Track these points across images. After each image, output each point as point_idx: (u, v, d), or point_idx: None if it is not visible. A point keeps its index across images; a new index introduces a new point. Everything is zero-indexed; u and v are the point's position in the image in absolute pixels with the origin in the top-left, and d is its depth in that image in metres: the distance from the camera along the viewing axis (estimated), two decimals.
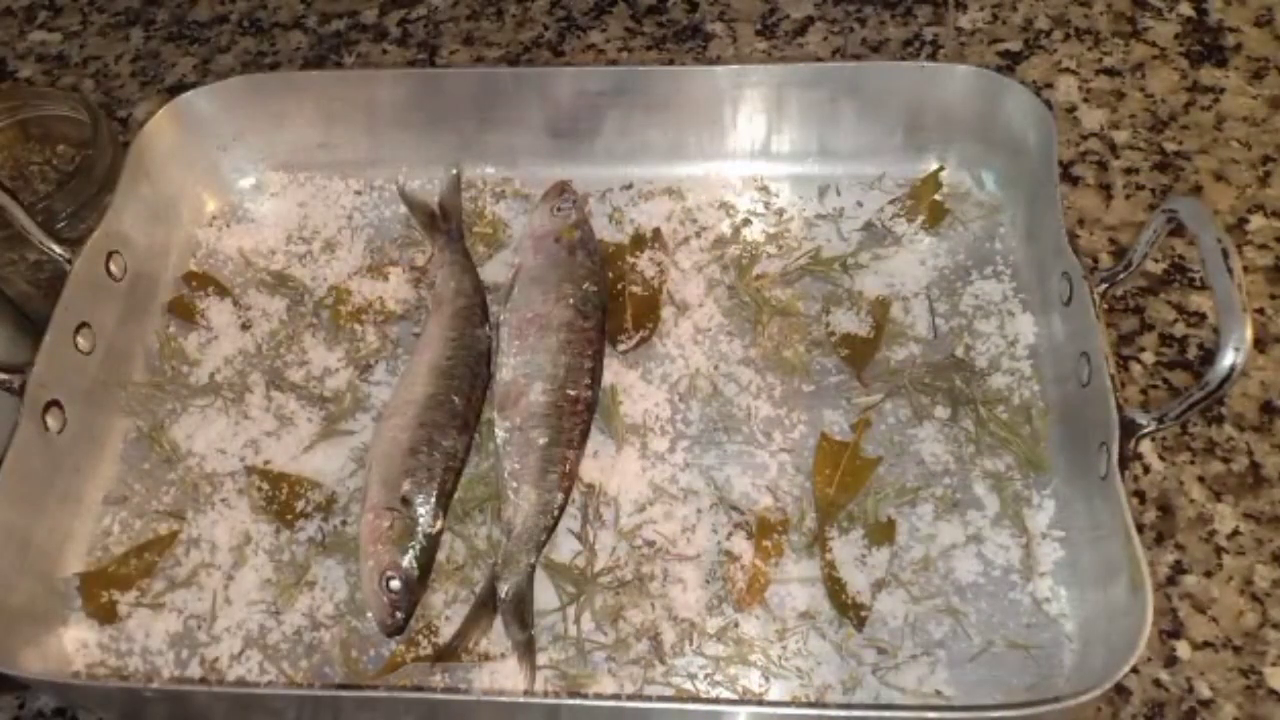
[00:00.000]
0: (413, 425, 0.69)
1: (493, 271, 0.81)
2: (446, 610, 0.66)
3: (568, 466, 0.68)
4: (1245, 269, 0.75)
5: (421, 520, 0.66)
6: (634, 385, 0.74)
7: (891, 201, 0.82)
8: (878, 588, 0.65)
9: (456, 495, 0.69)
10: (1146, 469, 0.71)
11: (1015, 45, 0.95)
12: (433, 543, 0.66)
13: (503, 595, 0.64)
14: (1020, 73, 0.93)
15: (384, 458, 0.69)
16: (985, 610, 0.65)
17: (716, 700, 0.62)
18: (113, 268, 0.75)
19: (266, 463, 0.72)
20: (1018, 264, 0.79)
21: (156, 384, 0.76)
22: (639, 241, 0.81)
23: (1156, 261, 0.80)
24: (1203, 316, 0.77)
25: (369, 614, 0.65)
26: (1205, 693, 0.63)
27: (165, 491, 0.72)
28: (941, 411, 0.72)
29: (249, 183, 0.87)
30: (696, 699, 0.62)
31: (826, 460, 0.70)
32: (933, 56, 0.94)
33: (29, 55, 1.02)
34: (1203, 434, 0.72)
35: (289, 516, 0.70)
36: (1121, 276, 0.69)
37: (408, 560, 0.65)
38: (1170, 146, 0.87)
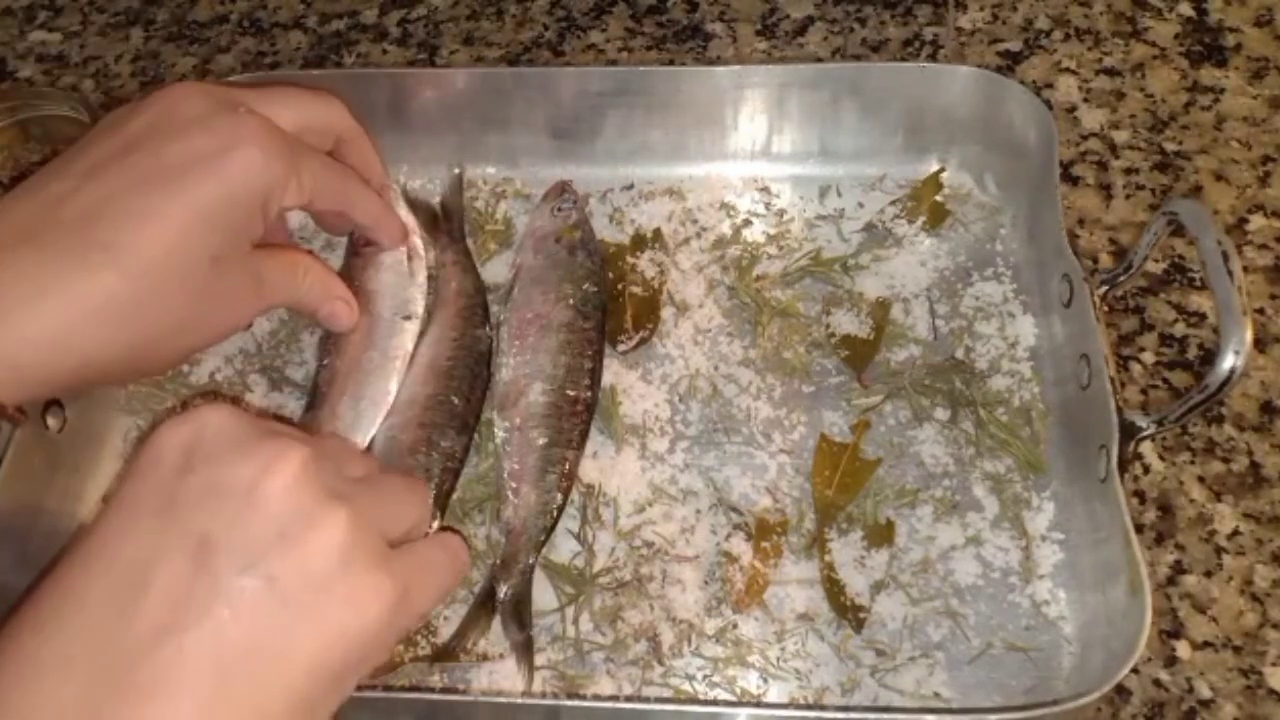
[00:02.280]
0: (412, 425, 0.69)
1: (494, 271, 0.81)
2: (445, 610, 0.66)
3: (567, 467, 0.68)
4: (1245, 269, 0.75)
5: None
6: (634, 386, 0.74)
7: (893, 202, 0.82)
8: (877, 589, 0.65)
9: (456, 495, 0.69)
10: (1146, 469, 0.71)
11: (1015, 45, 0.95)
12: None
13: (501, 595, 0.64)
14: (1020, 73, 0.92)
15: (383, 457, 0.69)
16: (984, 612, 0.65)
17: (715, 701, 0.62)
18: None
19: None
20: (1018, 265, 0.79)
21: (157, 383, 0.76)
22: (639, 242, 0.81)
23: (1156, 262, 0.80)
24: (1203, 316, 0.77)
25: None
26: (1205, 693, 0.63)
27: None
28: (941, 413, 0.72)
29: None
30: (695, 700, 0.62)
31: (826, 461, 0.70)
32: (933, 57, 0.94)
33: (29, 55, 1.02)
34: (1203, 434, 0.72)
35: None
36: (1122, 279, 0.69)
37: None
38: (1170, 146, 0.87)
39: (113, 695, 0.38)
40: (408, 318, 0.74)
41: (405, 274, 0.75)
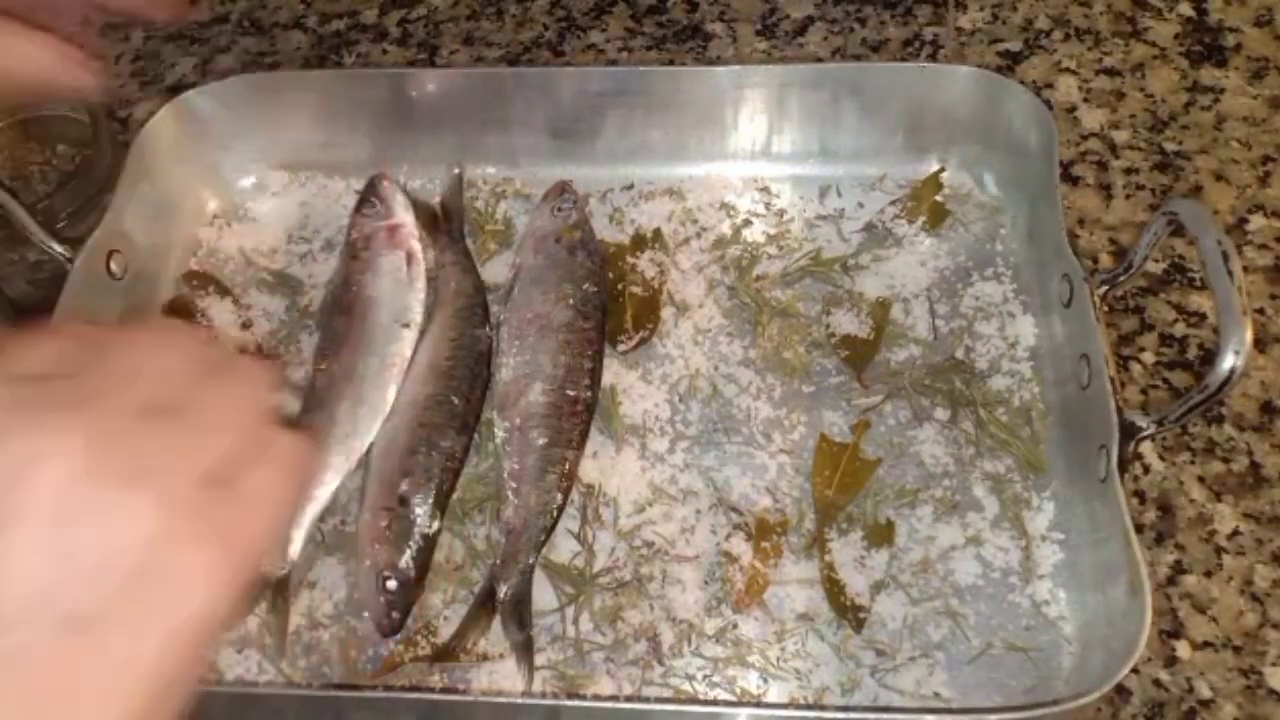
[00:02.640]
0: (412, 425, 0.69)
1: (494, 271, 0.81)
2: (445, 610, 0.66)
3: (567, 467, 0.68)
4: (1245, 269, 0.75)
5: (419, 520, 0.66)
6: (634, 386, 0.74)
7: (893, 203, 0.82)
8: (877, 589, 0.65)
9: (456, 495, 0.69)
10: (1146, 469, 0.71)
11: (1015, 45, 0.95)
12: (430, 543, 0.66)
13: (501, 595, 0.64)
14: (1020, 73, 0.92)
15: (382, 457, 0.69)
16: (984, 612, 0.65)
17: (715, 701, 0.62)
18: (113, 266, 0.75)
19: None
20: (1018, 265, 0.79)
21: None
22: (639, 242, 0.81)
23: (1156, 261, 0.80)
24: (1203, 316, 0.77)
25: (366, 614, 0.65)
26: (1205, 693, 0.63)
27: None
28: (941, 413, 0.72)
29: (250, 182, 0.87)
30: (695, 700, 0.62)
31: (826, 461, 0.70)
32: (933, 57, 0.94)
33: None
34: (1203, 434, 0.72)
35: None
36: (1122, 279, 0.69)
37: (404, 560, 0.65)
38: (1170, 146, 0.87)
39: None
40: (406, 325, 0.74)
41: (404, 281, 0.75)
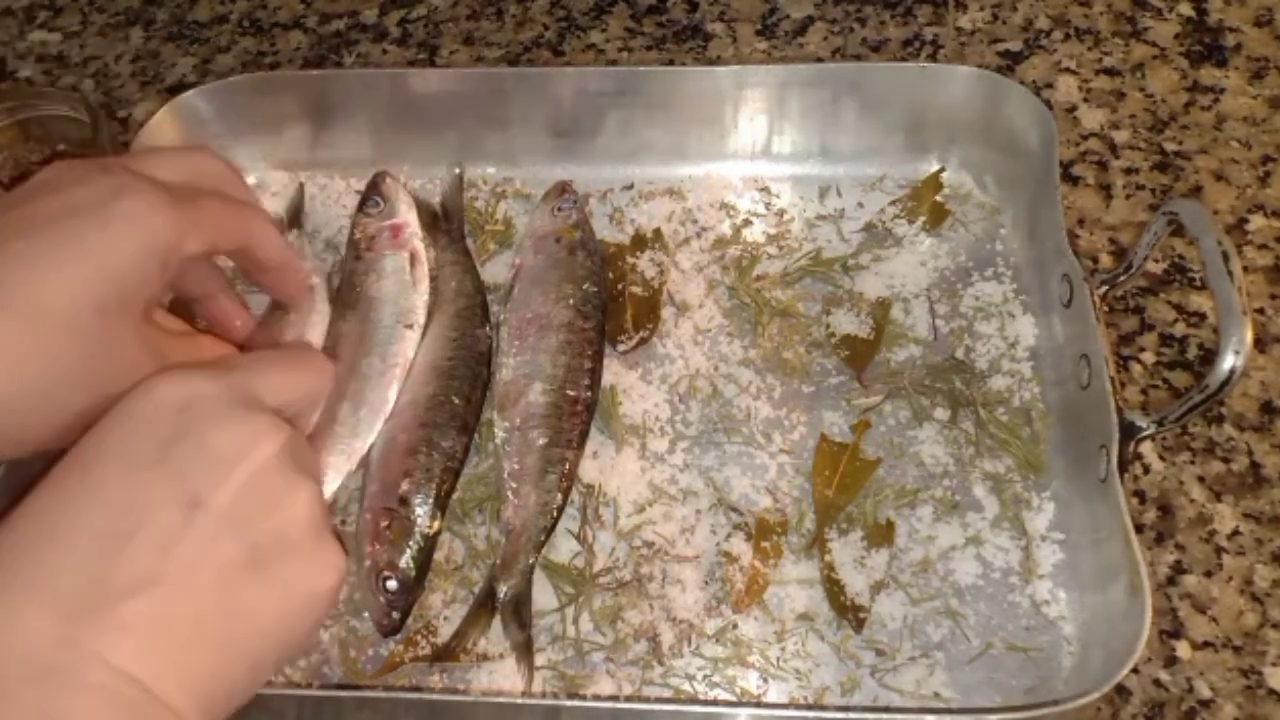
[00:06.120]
0: (412, 426, 0.69)
1: (494, 271, 0.81)
2: (445, 610, 0.66)
3: (567, 467, 0.68)
4: (1245, 269, 0.75)
5: (419, 520, 0.66)
6: (634, 386, 0.74)
7: (893, 202, 0.82)
8: (876, 589, 0.65)
9: (456, 495, 0.69)
10: (1146, 469, 0.71)
11: (1015, 45, 0.95)
12: (430, 543, 0.66)
13: (501, 595, 0.64)
14: (1020, 73, 0.92)
15: (382, 458, 0.69)
16: (984, 612, 0.65)
17: (715, 701, 0.62)
18: None
19: None
20: (1019, 265, 0.79)
21: None
22: (639, 242, 0.81)
23: (1156, 261, 0.80)
24: (1203, 316, 0.77)
25: (367, 613, 0.65)
26: (1205, 693, 0.63)
27: None
28: (941, 413, 0.72)
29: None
30: (694, 700, 0.62)
31: (826, 461, 0.70)
32: (933, 56, 0.94)
33: (29, 55, 1.02)
34: (1203, 434, 0.72)
35: None
36: (1122, 279, 0.69)
37: (404, 560, 0.65)
38: (1170, 146, 0.87)
39: (92, 628, 0.40)
40: (409, 326, 0.74)
41: (408, 282, 0.75)
